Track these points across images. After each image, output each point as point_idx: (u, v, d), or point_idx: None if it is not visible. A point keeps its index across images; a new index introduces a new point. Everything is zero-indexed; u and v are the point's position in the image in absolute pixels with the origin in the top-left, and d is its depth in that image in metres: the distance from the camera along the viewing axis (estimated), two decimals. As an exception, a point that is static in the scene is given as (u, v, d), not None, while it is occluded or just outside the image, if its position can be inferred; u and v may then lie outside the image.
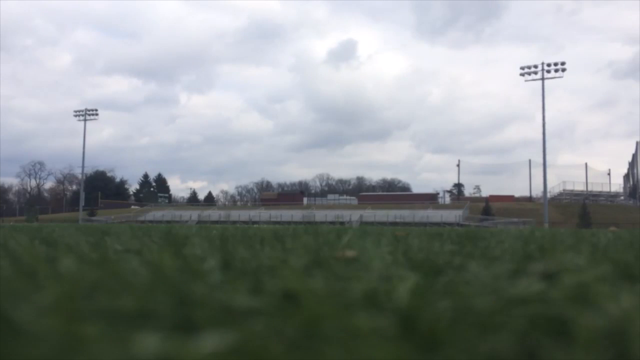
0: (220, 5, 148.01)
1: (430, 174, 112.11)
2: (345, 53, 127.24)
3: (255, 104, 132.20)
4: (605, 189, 64.47)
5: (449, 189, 76.66)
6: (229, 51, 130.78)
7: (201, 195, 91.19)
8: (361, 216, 51.32)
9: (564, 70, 39.18)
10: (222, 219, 51.30)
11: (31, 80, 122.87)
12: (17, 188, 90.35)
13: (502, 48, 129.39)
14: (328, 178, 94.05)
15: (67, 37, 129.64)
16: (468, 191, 76.42)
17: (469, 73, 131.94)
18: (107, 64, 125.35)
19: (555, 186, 64.75)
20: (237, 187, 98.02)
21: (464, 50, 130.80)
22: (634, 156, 58.05)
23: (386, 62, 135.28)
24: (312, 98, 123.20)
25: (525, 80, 40.25)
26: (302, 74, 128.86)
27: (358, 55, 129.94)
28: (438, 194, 71.96)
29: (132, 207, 72.65)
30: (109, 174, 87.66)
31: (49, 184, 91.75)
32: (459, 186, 75.50)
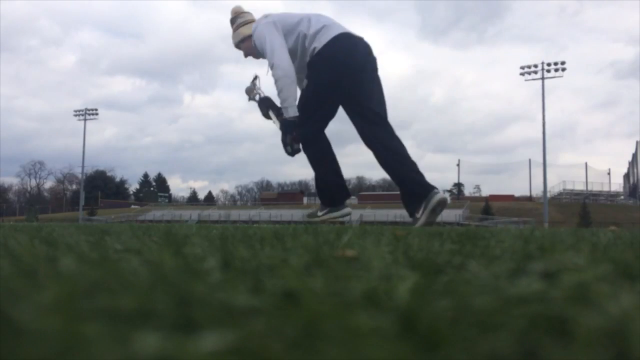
0: (224, 5, 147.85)
1: (431, 174, 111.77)
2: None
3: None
4: (606, 188, 64.51)
5: (449, 188, 76.69)
6: (232, 51, 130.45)
7: (201, 195, 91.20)
8: (361, 215, 51.31)
9: (564, 70, 39.18)
10: (222, 219, 51.34)
11: (35, 81, 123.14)
12: (17, 187, 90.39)
13: (505, 48, 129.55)
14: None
15: (71, 38, 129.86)
16: (468, 191, 76.46)
17: (471, 73, 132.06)
18: (111, 64, 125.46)
19: (555, 186, 64.85)
20: (237, 187, 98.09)
21: (467, 50, 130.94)
22: (634, 156, 58.04)
23: (390, 63, 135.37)
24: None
25: (525, 80, 40.26)
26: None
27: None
28: (438, 193, 71.79)
29: (132, 206, 72.63)
30: (109, 174, 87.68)
31: (49, 184, 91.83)
32: (459, 186, 75.50)
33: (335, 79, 3.75)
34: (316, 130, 3.92)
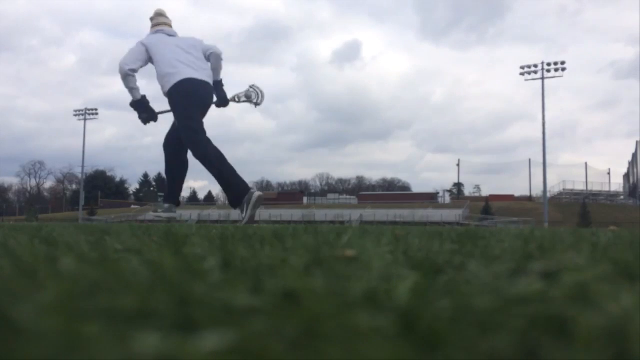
0: (224, 5, 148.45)
1: (431, 174, 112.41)
2: (349, 54, 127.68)
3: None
4: (605, 188, 64.55)
5: (449, 188, 76.83)
6: (233, 51, 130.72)
7: (201, 195, 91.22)
8: (361, 215, 51.33)
9: (564, 69, 39.18)
10: (222, 219, 51.38)
11: (35, 81, 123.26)
12: (17, 187, 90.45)
13: (506, 49, 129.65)
14: (328, 177, 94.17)
15: (72, 38, 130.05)
16: (468, 191, 76.58)
17: (471, 73, 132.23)
18: (112, 64, 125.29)
19: (555, 185, 64.89)
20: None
21: (467, 50, 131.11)
22: (634, 155, 58.07)
23: (390, 63, 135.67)
24: (315, 98, 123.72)
25: (525, 80, 40.24)
26: (306, 75, 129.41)
27: (363, 56, 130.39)
28: (438, 193, 72.06)
29: (132, 206, 72.61)
30: (109, 174, 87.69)
31: (49, 184, 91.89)
32: (459, 186, 75.58)
33: (189, 102, 4.99)
34: (199, 129, 5.03)
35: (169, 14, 5.55)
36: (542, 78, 38.95)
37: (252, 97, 5.66)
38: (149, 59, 5.11)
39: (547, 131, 37.55)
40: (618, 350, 0.34)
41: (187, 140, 4.99)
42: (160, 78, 5.06)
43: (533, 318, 0.40)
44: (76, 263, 0.71)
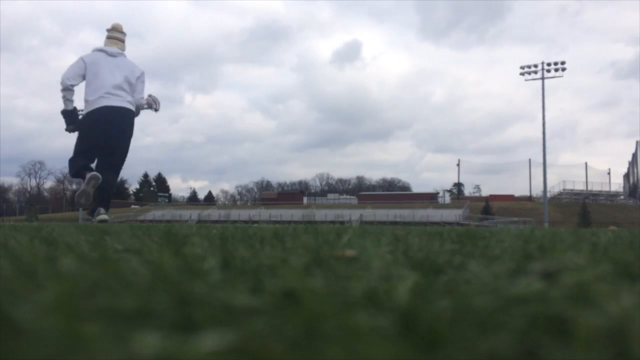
0: (225, 5, 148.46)
1: (431, 174, 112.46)
2: (349, 54, 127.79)
3: (258, 103, 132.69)
4: (605, 188, 64.58)
5: (449, 188, 76.88)
6: (233, 51, 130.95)
7: (201, 195, 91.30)
8: (361, 215, 51.33)
9: (564, 69, 39.18)
10: (222, 219, 51.36)
11: (35, 80, 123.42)
12: (17, 187, 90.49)
13: (506, 49, 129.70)
14: (328, 177, 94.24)
15: (72, 38, 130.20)
16: (468, 191, 76.62)
17: (472, 73, 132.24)
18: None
19: (555, 186, 64.95)
20: (237, 187, 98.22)
21: (468, 50, 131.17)
22: (634, 155, 58.05)
23: (390, 63, 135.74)
24: (315, 98, 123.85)
25: (525, 80, 40.24)
26: (306, 75, 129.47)
27: (363, 56, 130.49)
28: (438, 193, 72.15)
29: (132, 206, 72.61)
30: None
31: (49, 184, 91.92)
32: (459, 186, 75.62)
33: (93, 133, 5.62)
34: (88, 160, 5.63)
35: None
36: (542, 78, 38.95)
37: (152, 105, 6.27)
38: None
39: (547, 131, 37.58)
40: (618, 350, 0.34)
41: (70, 165, 5.56)
42: (84, 100, 5.62)
43: (533, 318, 0.40)
44: (76, 263, 0.71)
